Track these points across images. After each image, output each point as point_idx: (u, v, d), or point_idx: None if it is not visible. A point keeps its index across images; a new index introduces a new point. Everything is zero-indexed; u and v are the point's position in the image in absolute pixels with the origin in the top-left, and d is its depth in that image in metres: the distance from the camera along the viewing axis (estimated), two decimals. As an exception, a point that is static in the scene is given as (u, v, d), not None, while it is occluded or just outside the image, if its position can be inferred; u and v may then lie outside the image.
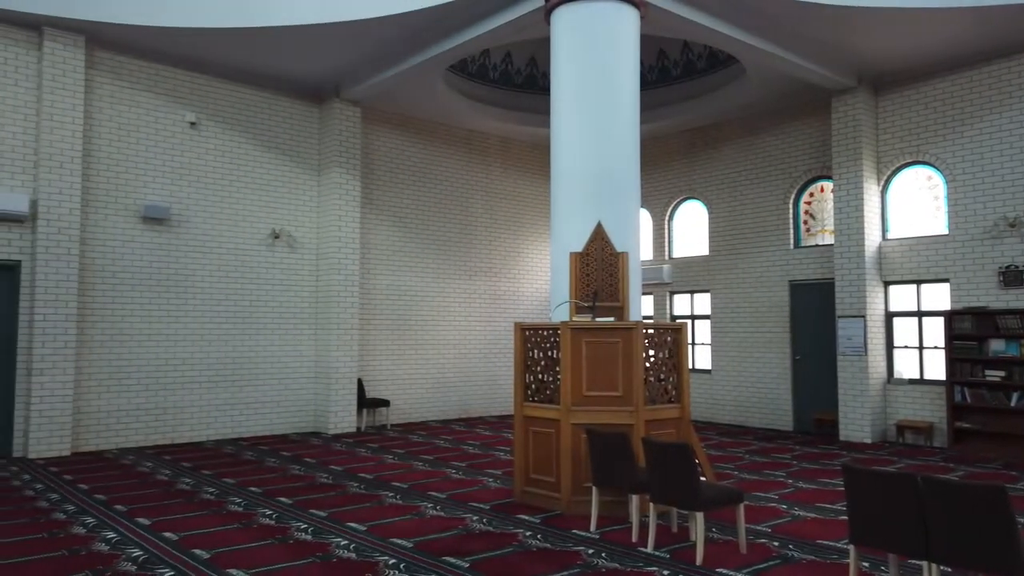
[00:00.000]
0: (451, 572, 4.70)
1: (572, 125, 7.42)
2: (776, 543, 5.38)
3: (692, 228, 13.34)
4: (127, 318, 9.61)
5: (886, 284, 10.70)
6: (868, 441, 10.23)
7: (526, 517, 6.10)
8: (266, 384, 10.79)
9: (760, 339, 12.02)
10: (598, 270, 6.93)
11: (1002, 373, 9.31)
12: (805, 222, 11.84)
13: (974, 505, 3.58)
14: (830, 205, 11.40)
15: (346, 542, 5.32)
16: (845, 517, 5.78)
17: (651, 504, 5.29)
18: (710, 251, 12.85)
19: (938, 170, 10.30)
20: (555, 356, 6.44)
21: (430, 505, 6.53)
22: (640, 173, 7.69)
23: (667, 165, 13.57)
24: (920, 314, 10.42)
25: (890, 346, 10.65)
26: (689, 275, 13.11)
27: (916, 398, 10.28)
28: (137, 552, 5.06)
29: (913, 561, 4.31)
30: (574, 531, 5.67)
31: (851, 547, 4.22)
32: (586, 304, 6.75)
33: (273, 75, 10.79)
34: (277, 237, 10.96)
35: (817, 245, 11.57)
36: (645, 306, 13.11)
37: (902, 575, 4.49)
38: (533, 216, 14.13)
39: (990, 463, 8.75)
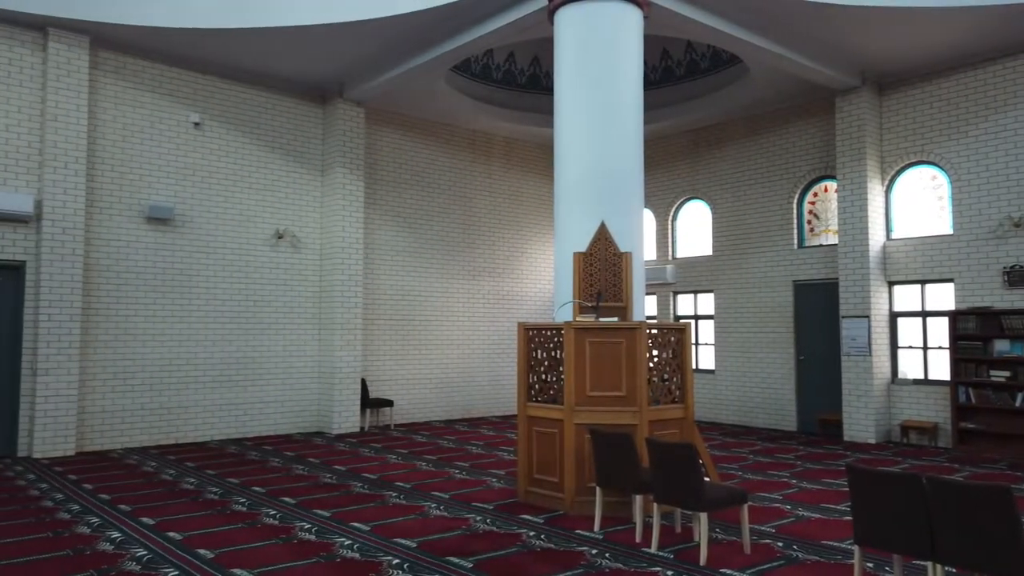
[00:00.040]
0: (455, 572, 4.70)
1: (576, 125, 7.42)
2: (780, 543, 5.38)
3: (696, 228, 13.33)
4: (131, 318, 9.63)
5: (890, 284, 10.68)
6: (872, 441, 10.20)
7: (530, 517, 6.10)
8: (270, 384, 10.81)
9: (764, 339, 12.00)
10: (602, 270, 6.93)
11: (1007, 373, 9.29)
12: (809, 222, 11.82)
13: (979, 506, 3.57)
14: (834, 205, 11.38)
15: (350, 542, 5.33)
16: (849, 518, 5.78)
17: (655, 504, 5.28)
18: (714, 251, 12.83)
19: (942, 170, 10.27)
20: (559, 356, 6.44)
21: (434, 505, 6.53)
22: (644, 173, 7.68)
23: (671, 165, 13.56)
24: (924, 314, 10.40)
25: (894, 346, 10.63)
26: (693, 275, 13.10)
27: (920, 398, 10.26)
28: (141, 552, 5.07)
29: (918, 562, 4.30)
30: (578, 531, 5.66)
31: (856, 548, 4.21)
32: (590, 304, 6.75)
33: (277, 75, 10.81)
34: (281, 237, 10.97)
35: (821, 245, 11.55)
36: (649, 306, 13.10)
37: (907, 576, 4.49)
38: (536, 216, 14.13)
39: (995, 464, 8.73)
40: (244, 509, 6.32)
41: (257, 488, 7.15)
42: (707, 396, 12.63)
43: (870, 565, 4.84)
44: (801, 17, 8.82)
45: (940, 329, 10.18)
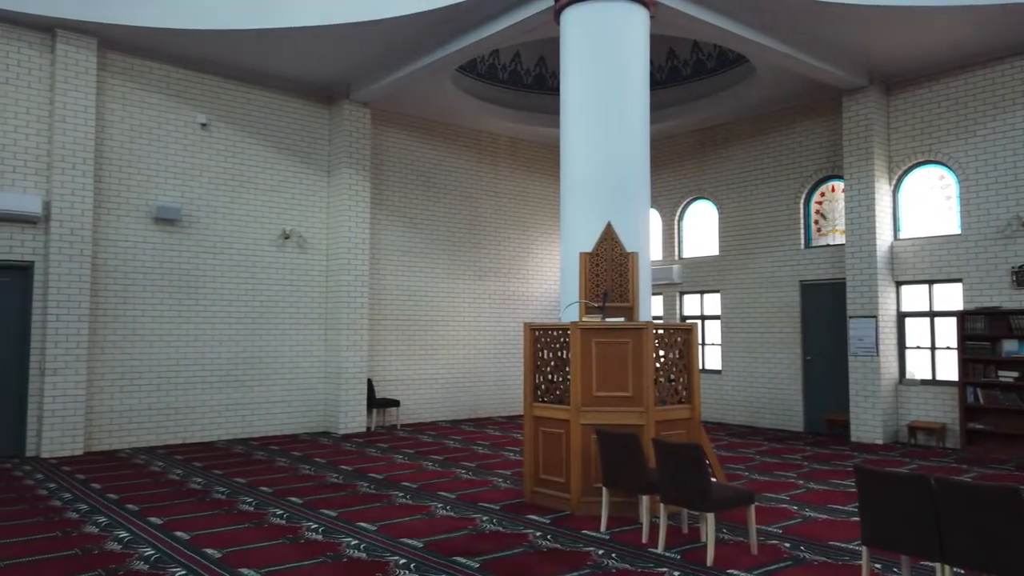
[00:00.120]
0: (461, 572, 4.70)
1: (582, 125, 7.42)
2: (787, 544, 5.36)
3: (702, 228, 13.30)
4: (139, 318, 9.66)
5: (898, 284, 10.64)
6: (880, 442, 10.17)
7: (536, 517, 6.10)
8: (276, 384, 10.83)
9: (771, 339, 11.97)
10: (608, 270, 6.92)
11: (1015, 374, 9.24)
12: (816, 222, 11.78)
13: (988, 507, 3.56)
14: (841, 205, 11.35)
15: (356, 542, 5.34)
16: (857, 518, 5.77)
17: (661, 505, 5.27)
18: (720, 251, 12.80)
19: (950, 169, 10.23)
20: (565, 356, 6.44)
21: (440, 505, 6.54)
22: (650, 173, 7.67)
23: (677, 165, 13.54)
24: (932, 314, 10.35)
25: (902, 347, 10.59)
26: (699, 275, 13.07)
27: (928, 399, 10.21)
28: (149, 551, 5.09)
29: (926, 563, 4.28)
30: (584, 532, 5.66)
31: (863, 548, 4.20)
32: (596, 304, 6.74)
33: (283, 76, 10.84)
34: (287, 238, 10.99)
35: (828, 245, 11.51)
36: (655, 306, 13.07)
37: (915, 577, 4.47)
38: (542, 216, 14.13)
39: (1003, 464, 8.69)
40: (251, 509, 6.34)
41: (264, 488, 7.17)
42: (714, 396, 12.60)
43: (878, 566, 4.82)
44: (808, 16, 8.80)
45: (948, 329, 10.14)
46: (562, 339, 6.49)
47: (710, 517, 4.90)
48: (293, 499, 6.70)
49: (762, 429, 11.73)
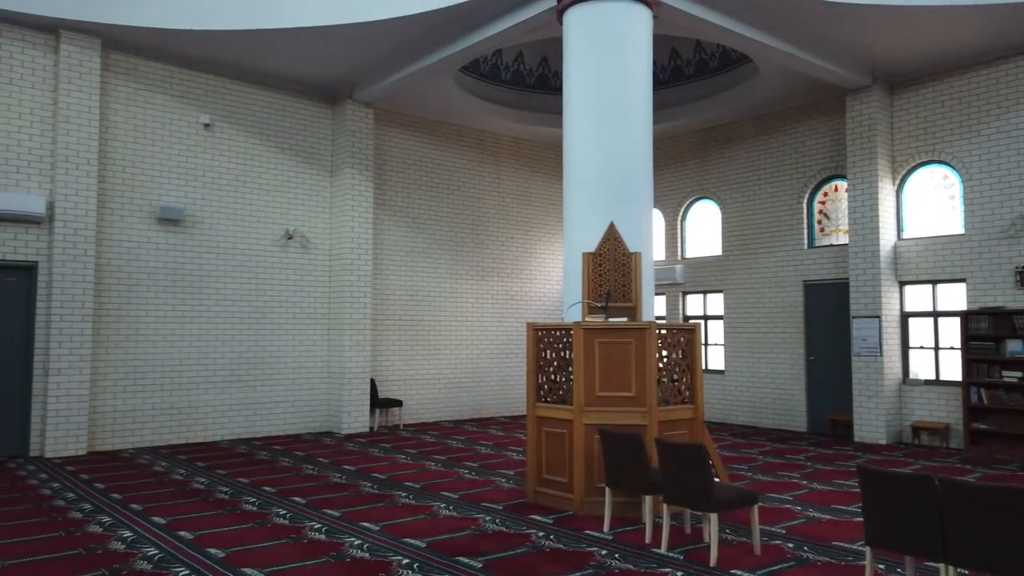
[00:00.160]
0: (464, 572, 4.70)
1: (585, 125, 7.41)
2: (791, 544, 5.35)
3: (705, 228, 13.29)
4: (142, 318, 9.68)
5: (901, 284, 10.62)
6: (883, 442, 10.15)
7: (539, 517, 6.10)
8: (279, 384, 10.85)
9: (774, 339, 11.96)
10: (611, 270, 6.92)
11: (1019, 374, 9.22)
12: (819, 222, 11.77)
13: (992, 507, 3.55)
14: (844, 205, 11.33)
15: (359, 542, 5.34)
16: (860, 519, 5.76)
17: (664, 505, 5.27)
18: (723, 251, 12.79)
19: (954, 169, 10.21)
20: (568, 356, 6.43)
21: (443, 505, 6.54)
22: (653, 173, 7.67)
23: (680, 165, 13.53)
24: (936, 314, 10.34)
25: (905, 347, 10.57)
26: (702, 275, 13.06)
27: (932, 399, 10.19)
28: (153, 551, 5.10)
29: (930, 563, 4.27)
30: (587, 532, 5.66)
31: (867, 549, 4.19)
32: (599, 304, 6.74)
33: (286, 77, 10.85)
34: (290, 238, 11.01)
35: (831, 245, 11.50)
36: (658, 306, 13.07)
37: (918, 577, 4.46)
38: (545, 216, 14.13)
39: (1007, 465, 8.66)
40: (254, 509, 6.35)
41: (267, 488, 7.18)
42: (717, 396, 12.59)
43: (881, 567, 4.81)
44: (811, 16, 8.79)
45: (952, 329, 10.12)
46: (565, 339, 6.49)
47: (713, 517, 4.89)
48: (296, 499, 6.70)
49: (765, 429, 11.72)
